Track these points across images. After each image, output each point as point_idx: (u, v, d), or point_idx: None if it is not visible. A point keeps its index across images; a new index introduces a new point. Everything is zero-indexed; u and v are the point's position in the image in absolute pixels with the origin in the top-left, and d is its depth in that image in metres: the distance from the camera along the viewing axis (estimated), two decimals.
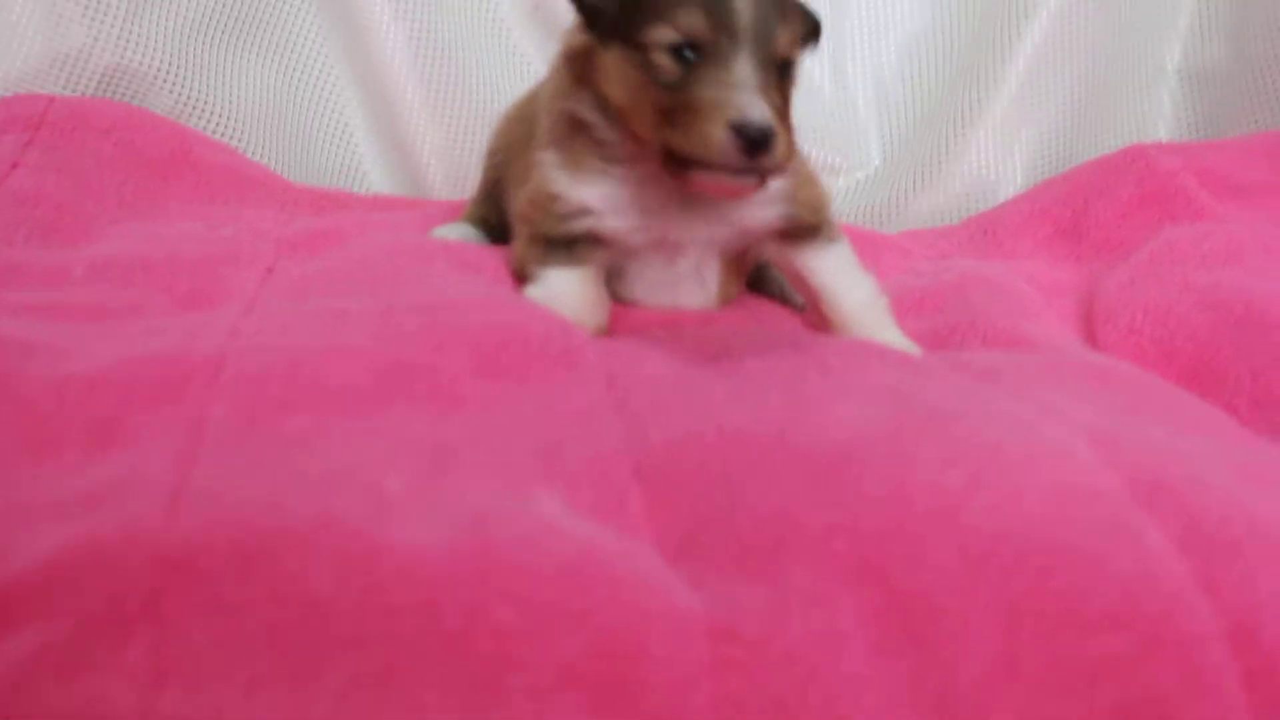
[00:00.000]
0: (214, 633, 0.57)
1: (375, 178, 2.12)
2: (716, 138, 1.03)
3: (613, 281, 1.25)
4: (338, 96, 2.11)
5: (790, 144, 1.07)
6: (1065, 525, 0.67)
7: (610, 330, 1.18)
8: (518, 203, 1.26)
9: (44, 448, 0.73)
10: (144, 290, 1.08)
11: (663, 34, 1.06)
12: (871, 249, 1.68)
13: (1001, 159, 2.11)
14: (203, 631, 0.57)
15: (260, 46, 2.04)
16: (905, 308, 1.32)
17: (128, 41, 1.83)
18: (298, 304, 1.03)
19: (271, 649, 0.56)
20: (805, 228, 1.22)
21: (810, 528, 0.69)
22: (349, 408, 0.79)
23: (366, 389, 0.82)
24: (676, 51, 1.06)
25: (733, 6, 1.07)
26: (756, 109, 1.03)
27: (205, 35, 1.95)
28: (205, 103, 1.93)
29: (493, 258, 1.26)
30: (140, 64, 1.84)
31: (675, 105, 1.06)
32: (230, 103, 1.96)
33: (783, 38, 1.10)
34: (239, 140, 1.96)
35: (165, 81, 1.87)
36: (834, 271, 1.23)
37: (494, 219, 1.48)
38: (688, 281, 1.26)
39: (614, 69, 1.12)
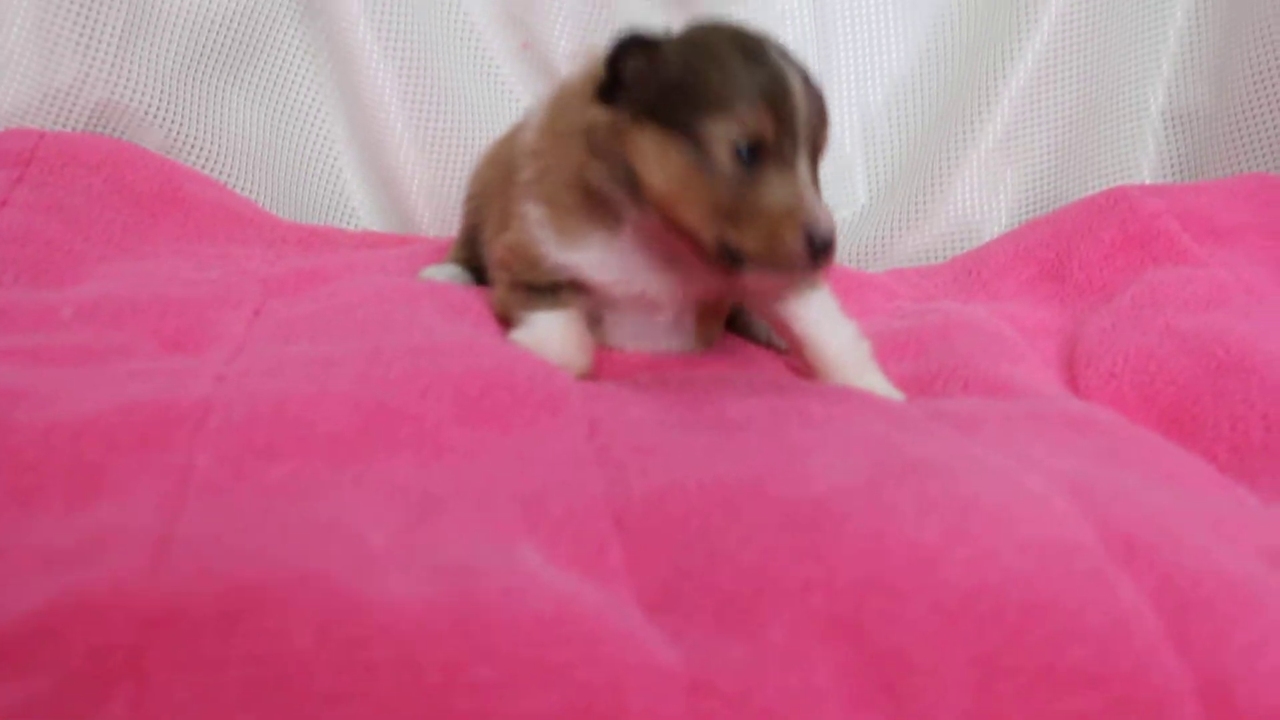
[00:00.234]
0: (195, 688, 0.57)
1: (364, 214, 2.14)
2: (790, 244, 1.03)
3: (592, 327, 1.25)
4: (327, 133, 2.12)
5: None
6: (1041, 581, 0.68)
7: (595, 373, 1.18)
8: (496, 249, 1.26)
9: (30, 497, 0.73)
10: (132, 332, 1.08)
11: (726, 130, 1.04)
12: (856, 288, 1.69)
13: (987, 199, 2.12)
14: (184, 687, 0.57)
15: (250, 83, 2.05)
16: (888, 351, 1.32)
17: (119, 77, 1.84)
18: (284, 348, 1.03)
19: (252, 705, 0.57)
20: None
21: (788, 581, 0.69)
22: (334, 456, 0.80)
23: (351, 437, 0.82)
24: (737, 147, 1.05)
25: (795, 104, 1.06)
26: (825, 215, 1.04)
27: (196, 72, 1.96)
28: (195, 139, 1.94)
29: (478, 300, 1.26)
30: (131, 100, 1.85)
31: (739, 204, 1.05)
32: (220, 139, 1.97)
33: (824, 132, 1.11)
34: (229, 176, 1.97)
35: (156, 117, 1.88)
36: (816, 319, 1.23)
37: (476, 261, 1.48)
38: (667, 328, 1.26)
39: (655, 154, 1.08)
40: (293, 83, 2.10)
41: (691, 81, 1.06)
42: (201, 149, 1.95)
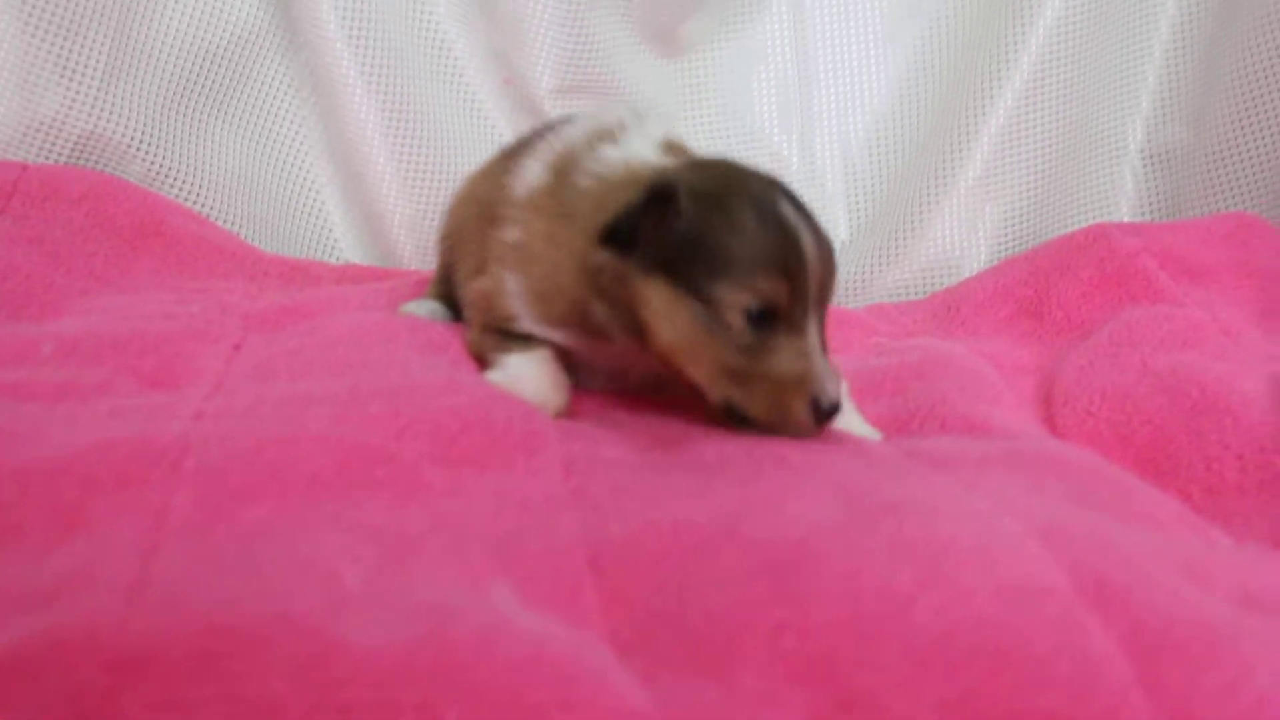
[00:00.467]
0: None
1: (346, 247, 2.14)
2: (797, 414, 1.04)
3: (565, 367, 1.23)
4: (310, 167, 2.13)
5: None
6: (1012, 625, 0.68)
7: (572, 410, 1.18)
8: (470, 291, 1.26)
9: (6, 537, 0.73)
10: (111, 368, 1.08)
11: (740, 297, 1.03)
12: (835, 325, 1.68)
13: (966, 236, 2.14)
14: None
15: (234, 116, 2.06)
16: (866, 389, 1.33)
17: (101, 110, 1.85)
18: (262, 386, 1.04)
19: None
20: None
21: (761, 624, 0.69)
22: (310, 497, 0.80)
23: (327, 477, 0.83)
24: (749, 312, 1.04)
25: (809, 271, 1.05)
26: (833, 383, 1.05)
27: (179, 104, 1.97)
28: (179, 172, 1.94)
29: (456, 338, 1.26)
30: (114, 132, 1.86)
31: (748, 368, 1.05)
32: (204, 172, 1.98)
33: (832, 285, 1.11)
34: (211, 209, 1.98)
35: (139, 150, 1.89)
36: None
37: (453, 298, 1.48)
38: (640, 378, 1.26)
39: (665, 311, 1.07)
40: (276, 116, 2.10)
41: (706, 243, 1.05)
42: (184, 182, 1.96)
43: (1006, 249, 2.14)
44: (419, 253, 2.06)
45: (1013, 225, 2.15)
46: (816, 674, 0.66)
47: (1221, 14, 2.10)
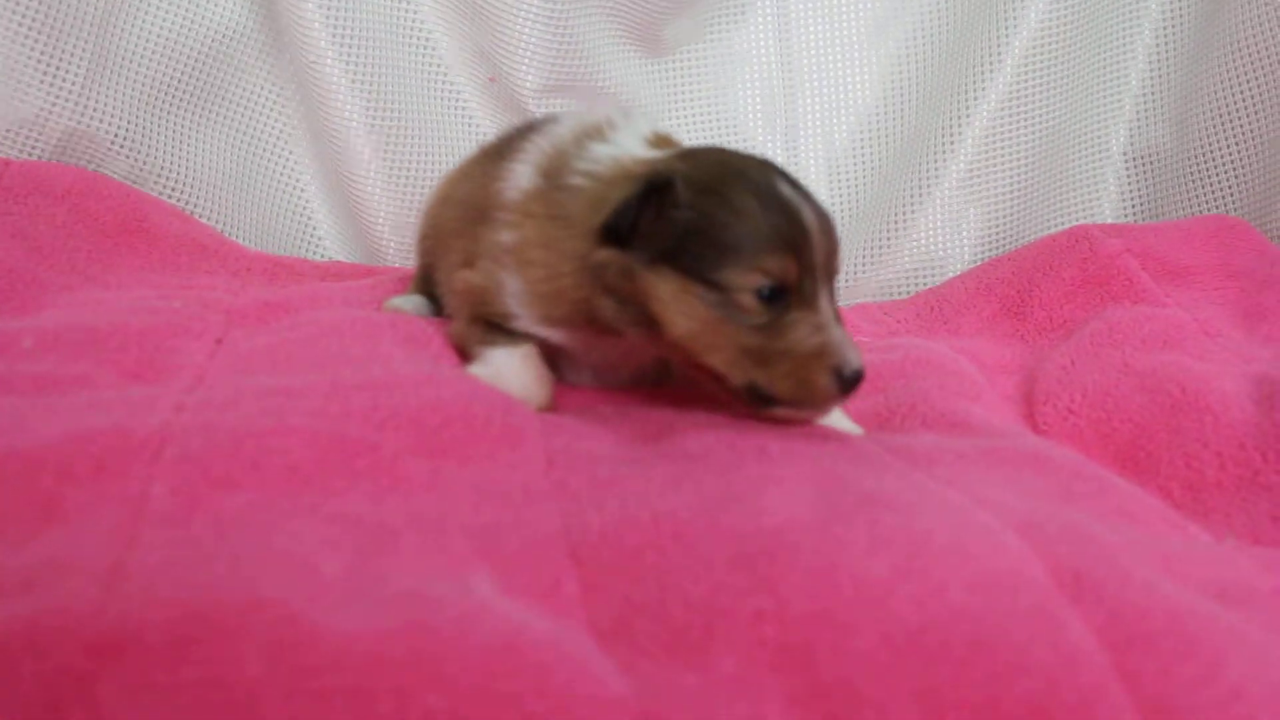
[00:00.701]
0: (146, 716, 0.57)
1: (330, 244, 2.14)
2: (823, 385, 1.04)
3: (549, 362, 1.23)
4: (294, 164, 2.13)
5: None
6: (989, 615, 0.69)
7: (555, 405, 1.18)
8: (457, 282, 1.26)
9: None
10: (92, 362, 1.08)
11: (750, 279, 1.04)
12: None
13: (950, 236, 2.14)
14: (135, 714, 0.57)
15: (218, 114, 2.06)
16: None
17: (85, 107, 1.84)
18: (244, 379, 1.03)
19: None
20: None
21: (740, 613, 0.70)
22: (290, 487, 0.80)
23: (308, 468, 0.83)
24: (760, 293, 1.04)
25: (813, 245, 1.06)
26: (854, 353, 1.05)
27: (163, 102, 1.96)
28: (162, 169, 1.94)
29: (439, 332, 1.27)
30: (97, 129, 1.85)
31: (766, 348, 1.05)
32: (187, 169, 1.98)
33: (837, 258, 1.11)
34: (195, 206, 1.98)
35: (122, 147, 1.89)
36: None
37: (435, 295, 1.48)
38: (627, 373, 1.27)
39: (676, 301, 1.06)
40: (260, 114, 2.11)
41: (710, 231, 1.05)
42: (168, 179, 1.95)
43: (989, 250, 2.15)
44: (403, 250, 2.06)
45: (996, 226, 2.15)
46: (794, 663, 0.66)
47: (1204, 18, 2.11)
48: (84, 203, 1.69)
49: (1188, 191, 2.09)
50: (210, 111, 2.05)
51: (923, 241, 2.13)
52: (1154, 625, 0.70)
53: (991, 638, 0.67)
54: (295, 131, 2.13)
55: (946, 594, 0.70)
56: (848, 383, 1.05)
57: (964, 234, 2.15)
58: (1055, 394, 1.35)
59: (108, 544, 0.69)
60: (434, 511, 0.80)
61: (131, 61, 1.92)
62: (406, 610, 0.65)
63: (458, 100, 2.15)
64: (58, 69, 1.81)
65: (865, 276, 2.14)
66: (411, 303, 1.49)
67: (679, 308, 1.06)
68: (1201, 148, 2.07)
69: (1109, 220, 2.17)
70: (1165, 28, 2.16)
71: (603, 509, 0.83)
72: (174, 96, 1.98)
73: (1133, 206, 2.18)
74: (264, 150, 2.11)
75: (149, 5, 1.95)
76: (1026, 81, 2.12)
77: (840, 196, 2.24)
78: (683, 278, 1.05)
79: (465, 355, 1.21)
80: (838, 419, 1.19)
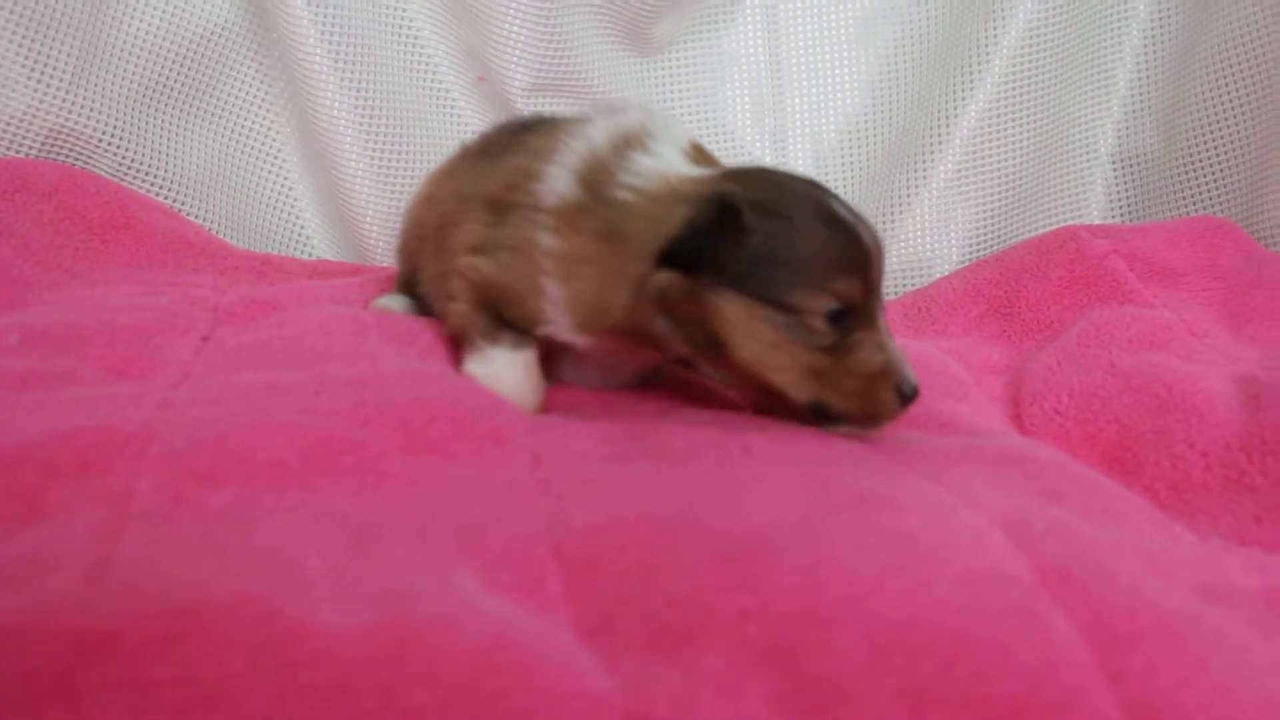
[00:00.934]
0: (127, 711, 0.57)
1: (318, 243, 2.14)
2: (887, 403, 1.06)
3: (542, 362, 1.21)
4: (282, 162, 2.13)
5: None
6: (973, 614, 0.69)
7: (544, 408, 1.18)
8: (463, 267, 1.20)
9: None
10: (78, 358, 1.08)
11: (820, 302, 1.04)
12: None
13: (937, 237, 2.15)
14: (116, 710, 0.57)
15: (206, 111, 2.05)
16: None
17: (72, 104, 1.84)
18: (230, 376, 1.03)
19: None
20: None
21: (724, 611, 0.70)
22: (275, 484, 0.80)
23: (293, 465, 0.82)
24: (828, 314, 1.05)
25: (875, 265, 1.07)
26: (910, 370, 1.07)
27: (150, 99, 1.96)
28: (150, 166, 1.94)
29: (426, 330, 1.26)
30: (85, 126, 1.85)
31: (833, 368, 1.06)
32: (174, 167, 1.97)
33: (883, 272, 1.12)
34: (183, 204, 1.97)
35: (109, 145, 1.88)
36: None
37: (417, 297, 1.47)
38: (621, 372, 1.27)
39: (742, 324, 1.06)
40: (248, 112, 2.10)
41: (779, 254, 1.05)
42: (156, 176, 1.95)
43: (977, 251, 2.15)
44: (391, 248, 2.05)
45: (984, 227, 2.16)
46: (779, 660, 0.66)
47: (1192, 19, 2.12)
48: (71, 200, 1.69)
49: (1175, 193, 2.10)
50: (198, 109, 2.04)
51: (910, 242, 2.14)
52: (1138, 624, 0.70)
53: (975, 636, 0.67)
54: (283, 129, 2.13)
55: (931, 592, 0.70)
56: (907, 399, 1.07)
57: (952, 234, 2.15)
58: (1042, 394, 1.35)
59: (91, 540, 0.69)
60: (419, 508, 0.80)
61: (119, 59, 1.92)
62: (390, 606, 0.65)
63: (446, 99, 2.15)
64: (45, 66, 1.81)
65: None
66: (398, 302, 1.48)
67: (747, 330, 1.06)
68: (1189, 149, 2.08)
69: (1096, 221, 2.17)
70: (1153, 30, 2.17)
71: (587, 507, 0.83)
72: (162, 94, 1.98)
73: (1120, 208, 2.19)
74: (252, 148, 2.11)
75: (137, 2, 1.95)
76: (1014, 83, 2.12)
77: None
78: (750, 301, 1.05)
79: (464, 341, 1.19)
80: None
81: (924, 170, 2.14)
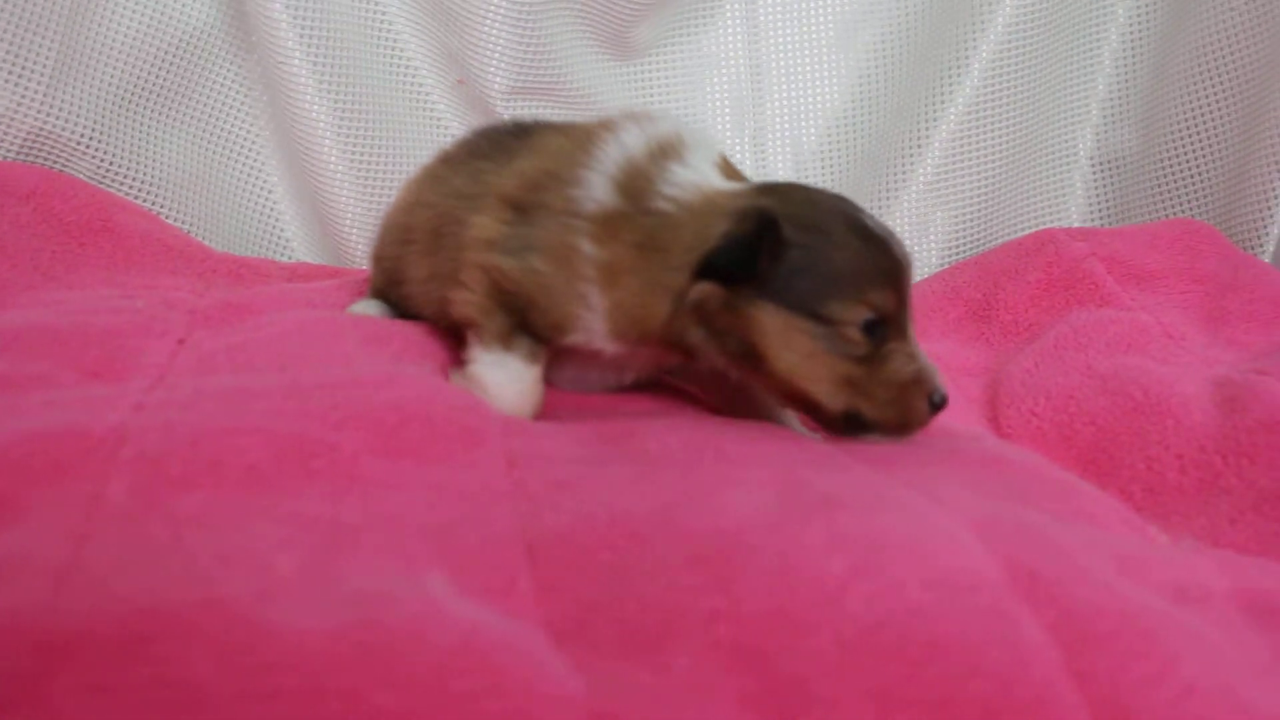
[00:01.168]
0: (95, 714, 0.57)
1: (297, 246, 2.14)
2: (920, 412, 1.09)
3: None
4: (261, 166, 2.12)
5: None
6: (943, 615, 0.69)
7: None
8: (489, 262, 1.17)
9: None
10: (53, 361, 1.07)
11: (856, 313, 1.06)
12: None
13: (917, 240, 2.16)
14: (84, 713, 0.57)
15: (185, 114, 2.05)
16: None
17: (51, 107, 1.83)
18: (205, 379, 1.03)
19: None
20: None
21: (695, 612, 0.70)
22: (247, 487, 0.80)
23: (265, 468, 0.82)
24: (863, 325, 1.06)
25: (905, 277, 1.09)
26: (940, 379, 1.09)
27: (129, 102, 1.96)
28: (128, 169, 1.94)
29: (401, 332, 1.26)
30: (63, 129, 1.85)
31: (868, 378, 1.08)
32: (153, 170, 1.97)
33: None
34: (161, 207, 1.97)
35: (88, 148, 1.88)
36: None
37: (392, 302, 1.47)
38: (613, 376, 1.27)
39: (779, 335, 1.07)
40: (227, 115, 2.10)
41: (817, 267, 1.06)
42: (134, 179, 1.95)
43: (956, 254, 2.16)
44: (370, 252, 2.05)
45: (962, 229, 2.17)
46: (749, 662, 0.66)
47: (1171, 22, 2.13)
48: (49, 203, 1.68)
49: (1153, 196, 2.11)
50: (177, 112, 2.04)
51: None
52: (1107, 625, 0.71)
53: (946, 637, 0.67)
54: (262, 132, 2.12)
55: (902, 593, 0.70)
56: (937, 408, 1.09)
57: (931, 237, 2.16)
58: (1019, 397, 1.36)
59: (61, 542, 0.69)
60: (391, 511, 0.80)
61: (98, 61, 1.92)
62: (360, 609, 0.65)
63: (426, 102, 2.15)
64: (23, 69, 1.81)
65: None
66: (375, 307, 1.48)
67: (784, 341, 1.07)
68: (1167, 152, 2.09)
69: (1075, 224, 2.19)
70: (1131, 33, 2.18)
71: (560, 509, 0.83)
72: (140, 97, 1.98)
73: (1099, 210, 2.20)
74: (230, 151, 2.10)
75: (115, 4, 1.94)
76: (994, 86, 2.13)
77: None
78: (787, 312, 1.06)
79: (474, 331, 1.18)
80: (795, 420, 1.20)
81: (903, 173, 2.15)
